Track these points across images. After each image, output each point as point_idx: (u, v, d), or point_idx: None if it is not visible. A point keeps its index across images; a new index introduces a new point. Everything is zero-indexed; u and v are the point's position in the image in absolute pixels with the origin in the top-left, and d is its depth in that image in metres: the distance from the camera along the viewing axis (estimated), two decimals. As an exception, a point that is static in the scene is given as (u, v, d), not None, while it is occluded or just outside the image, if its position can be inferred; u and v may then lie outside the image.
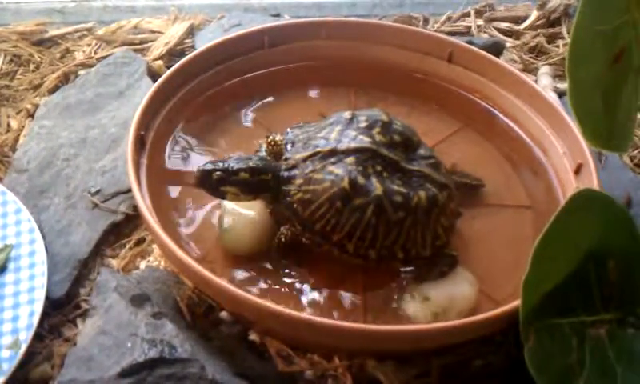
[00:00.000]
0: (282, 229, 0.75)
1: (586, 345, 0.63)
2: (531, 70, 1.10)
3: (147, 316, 0.69)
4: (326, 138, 0.76)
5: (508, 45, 1.14)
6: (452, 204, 0.77)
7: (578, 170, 0.81)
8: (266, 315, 0.66)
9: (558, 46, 1.15)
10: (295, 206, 0.74)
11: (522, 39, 1.16)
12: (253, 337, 0.71)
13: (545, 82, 1.05)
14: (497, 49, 1.08)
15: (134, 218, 0.84)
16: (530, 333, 0.63)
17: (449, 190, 0.76)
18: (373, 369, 0.68)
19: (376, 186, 0.72)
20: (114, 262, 0.80)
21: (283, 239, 0.75)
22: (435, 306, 0.72)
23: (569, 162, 0.83)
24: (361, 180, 0.72)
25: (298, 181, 0.74)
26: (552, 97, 0.96)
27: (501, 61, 0.97)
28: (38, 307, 0.72)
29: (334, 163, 0.73)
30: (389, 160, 0.74)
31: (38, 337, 0.72)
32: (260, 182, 0.74)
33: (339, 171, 0.72)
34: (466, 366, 0.70)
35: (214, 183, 0.74)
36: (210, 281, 0.67)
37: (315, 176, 0.73)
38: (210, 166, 0.74)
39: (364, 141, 0.74)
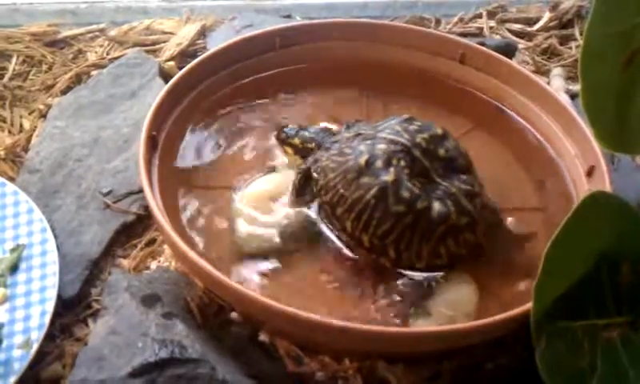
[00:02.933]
0: (297, 168, 0.82)
1: (598, 348, 0.63)
2: (543, 72, 1.09)
3: (158, 316, 0.69)
4: (375, 126, 0.79)
5: (520, 46, 1.14)
6: (470, 236, 0.74)
7: (590, 173, 0.81)
8: (276, 316, 0.66)
9: (570, 48, 1.15)
10: (319, 172, 0.78)
11: (534, 41, 1.16)
12: (263, 337, 0.71)
13: (557, 84, 1.04)
14: (509, 50, 1.07)
15: (145, 219, 0.84)
16: (541, 336, 0.63)
17: (470, 220, 0.74)
18: (383, 371, 0.68)
19: (389, 174, 0.73)
20: (125, 263, 0.80)
21: (300, 176, 0.80)
22: (440, 319, 0.71)
23: (581, 164, 0.83)
24: (379, 164, 0.73)
25: (333, 151, 0.78)
26: (564, 98, 0.95)
27: (513, 62, 0.97)
28: (50, 307, 0.72)
29: (363, 141, 0.76)
30: (418, 163, 0.74)
31: (50, 336, 0.72)
32: (306, 149, 0.84)
33: (362, 148, 0.75)
34: (476, 368, 0.70)
35: (281, 141, 0.86)
36: (221, 281, 0.67)
37: (346, 150, 0.77)
38: (283, 128, 0.87)
39: (403, 136, 0.76)
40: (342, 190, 0.74)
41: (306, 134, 0.85)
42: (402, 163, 0.74)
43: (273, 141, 0.88)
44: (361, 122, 0.86)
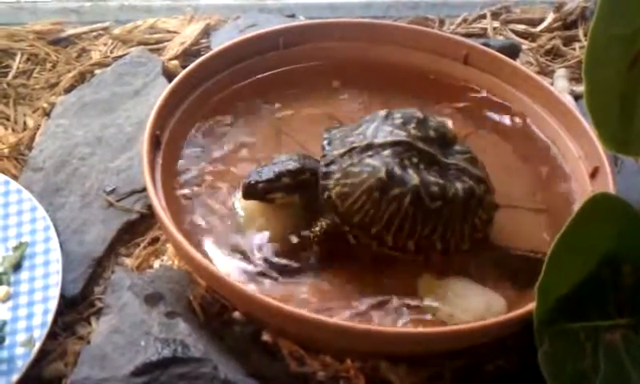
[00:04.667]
0: (321, 219, 0.76)
1: (601, 350, 0.63)
2: (547, 73, 1.09)
3: (161, 315, 0.69)
4: (363, 133, 0.77)
5: (524, 47, 1.13)
6: (489, 197, 0.77)
7: (593, 174, 0.81)
8: (279, 316, 0.66)
9: (574, 49, 1.14)
10: (334, 199, 0.75)
11: (538, 41, 1.16)
12: (265, 337, 0.71)
13: (561, 85, 1.04)
14: (513, 51, 1.07)
15: (148, 218, 0.84)
16: (543, 337, 0.63)
17: (486, 184, 0.77)
18: (385, 371, 0.68)
19: (413, 177, 0.73)
20: (128, 261, 0.80)
21: (320, 230, 0.75)
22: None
23: (585, 165, 0.83)
24: (398, 171, 0.73)
25: (336, 175, 0.75)
26: (568, 100, 0.95)
27: (517, 63, 0.97)
28: (53, 305, 0.72)
29: (370, 156, 0.75)
30: (425, 153, 0.75)
31: (52, 335, 0.72)
32: (301, 182, 0.77)
33: (376, 163, 0.74)
34: (479, 369, 0.70)
35: (261, 193, 0.77)
36: (223, 280, 0.67)
37: (353, 169, 0.75)
38: (254, 179, 0.77)
39: (400, 134, 0.75)
40: (371, 211, 0.73)
41: (290, 166, 0.77)
42: (415, 160, 0.74)
43: (276, 139, 0.88)
44: (336, 128, 0.83)
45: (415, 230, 0.73)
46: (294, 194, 0.77)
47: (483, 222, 0.76)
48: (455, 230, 0.74)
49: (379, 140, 0.75)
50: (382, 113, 0.79)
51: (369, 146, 0.75)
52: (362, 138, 0.77)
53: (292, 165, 0.77)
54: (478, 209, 0.75)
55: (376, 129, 0.77)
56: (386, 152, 0.74)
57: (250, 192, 0.77)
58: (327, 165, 0.77)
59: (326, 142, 0.80)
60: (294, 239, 0.77)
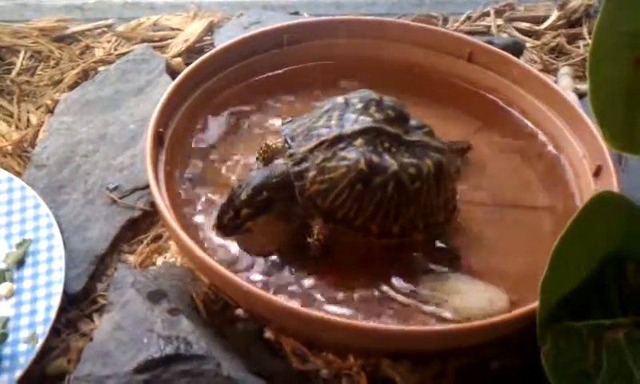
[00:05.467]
0: (314, 230, 0.74)
1: (604, 348, 0.62)
2: (551, 71, 1.09)
3: (163, 312, 0.69)
4: (327, 125, 0.76)
5: (528, 45, 1.13)
6: (452, 166, 0.79)
7: (597, 172, 0.81)
8: (281, 313, 0.66)
9: (578, 47, 1.14)
10: (313, 198, 0.74)
11: (542, 39, 1.15)
12: (268, 334, 0.71)
13: (565, 83, 1.04)
14: (517, 49, 1.07)
15: (151, 215, 0.84)
16: (546, 335, 0.63)
17: (447, 154, 0.78)
18: (388, 369, 0.68)
19: (391, 162, 0.73)
20: (131, 258, 0.80)
21: (317, 240, 0.74)
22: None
23: (588, 163, 0.83)
24: (375, 159, 0.73)
25: (311, 173, 0.74)
26: (572, 98, 0.95)
27: (521, 61, 0.96)
28: (56, 302, 0.72)
29: (343, 148, 0.74)
30: (392, 135, 0.75)
31: (55, 331, 0.72)
32: (260, 204, 0.75)
33: (352, 155, 0.73)
34: (482, 367, 0.70)
35: (233, 229, 0.76)
36: (226, 278, 0.67)
37: (328, 164, 0.74)
38: (220, 220, 0.76)
39: (366, 121, 0.75)
40: (355, 205, 0.73)
41: (243, 196, 0.74)
42: (386, 144, 0.74)
43: (279, 138, 0.88)
44: (290, 123, 0.80)
45: (399, 213, 0.74)
46: (262, 215, 0.75)
47: (452, 191, 0.78)
48: (433, 204, 0.75)
49: (347, 130, 0.75)
50: (340, 100, 0.79)
51: (339, 138, 0.74)
52: (329, 131, 0.75)
53: (244, 194, 0.75)
54: (446, 180, 0.77)
55: (340, 118, 0.76)
56: (358, 141, 0.74)
57: (224, 233, 0.76)
58: (297, 163, 0.75)
59: (289, 140, 0.77)
60: (292, 239, 0.77)
